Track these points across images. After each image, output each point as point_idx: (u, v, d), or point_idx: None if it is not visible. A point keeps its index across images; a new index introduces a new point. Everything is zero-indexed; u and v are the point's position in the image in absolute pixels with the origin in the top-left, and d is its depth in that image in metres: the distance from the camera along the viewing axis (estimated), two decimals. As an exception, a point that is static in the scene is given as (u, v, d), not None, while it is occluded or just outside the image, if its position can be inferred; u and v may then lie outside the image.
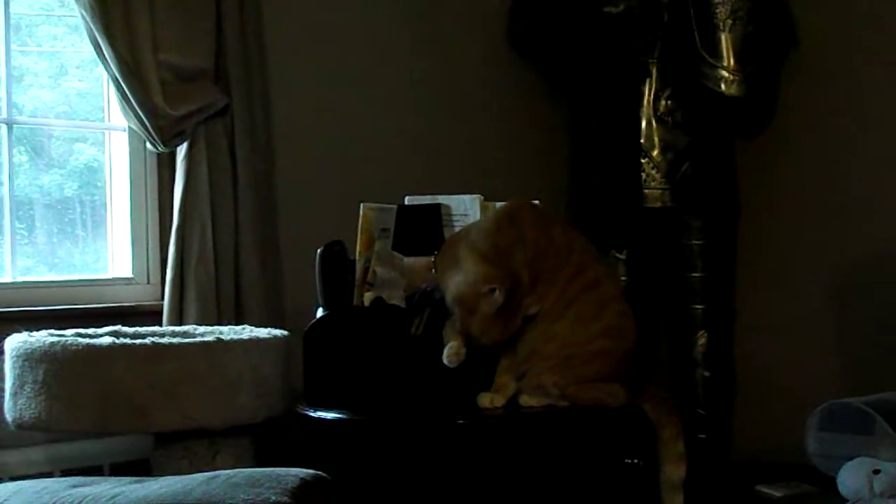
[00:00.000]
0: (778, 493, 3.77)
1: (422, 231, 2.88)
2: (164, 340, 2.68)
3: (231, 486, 2.16)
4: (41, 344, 2.62)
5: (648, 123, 4.11)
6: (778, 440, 3.96)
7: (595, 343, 2.53)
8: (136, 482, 2.29)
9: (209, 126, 3.32)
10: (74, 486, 2.26)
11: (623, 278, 4.02)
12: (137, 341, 2.66)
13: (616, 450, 2.77)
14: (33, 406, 2.62)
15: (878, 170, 4.13)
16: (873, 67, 4.14)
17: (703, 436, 4.09)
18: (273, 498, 2.10)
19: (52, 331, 2.79)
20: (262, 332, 2.89)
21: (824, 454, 3.49)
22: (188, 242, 3.26)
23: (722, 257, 4.22)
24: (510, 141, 4.29)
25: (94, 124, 3.49)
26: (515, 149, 4.29)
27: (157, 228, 3.40)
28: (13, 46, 3.26)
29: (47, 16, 3.46)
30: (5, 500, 2.22)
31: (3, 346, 2.74)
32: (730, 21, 3.97)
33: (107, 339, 2.66)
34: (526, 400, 2.55)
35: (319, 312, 2.76)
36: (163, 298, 3.27)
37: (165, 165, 3.40)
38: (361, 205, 2.75)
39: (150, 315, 3.25)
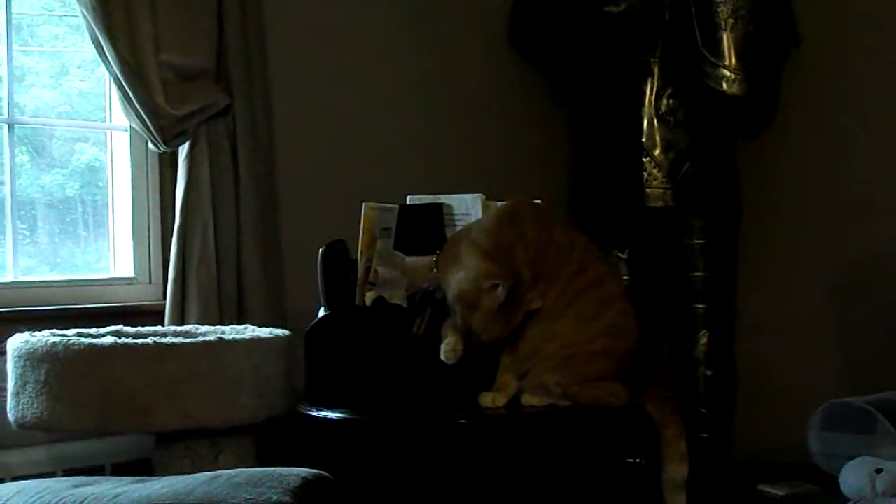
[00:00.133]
0: (780, 493, 3.77)
1: (423, 230, 2.88)
2: (166, 340, 2.68)
3: (233, 485, 2.16)
4: (43, 344, 2.62)
5: (650, 123, 4.11)
6: (780, 439, 3.96)
7: (597, 342, 2.53)
8: (137, 482, 2.29)
9: (211, 126, 3.32)
10: (76, 486, 2.26)
11: (625, 278, 4.01)
12: (139, 341, 2.66)
13: (618, 449, 2.77)
14: (35, 406, 2.62)
15: (880, 169, 4.14)
16: (874, 67, 4.15)
17: (706, 435, 4.09)
18: (275, 497, 2.10)
19: (54, 331, 2.79)
20: (264, 332, 2.89)
21: (826, 453, 3.50)
22: (190, 242, 3.26)
23: (723, 257, 4.21)
24: (511, 140, 4.29)
25: (95, 124, 3.49)
26: (517, 148, 4.29)
27: (159, 228, 3.40)
28: (15, 46, 3.26)
29: (49, 16, 3.47)
30: (7, 501, 2.22)
31: (4, 346, 2.74)
32: (731, 20, 3.97)
33: (108, 339, 2.66)
34: (528, 399, 2.55)
35: (321, 312, 2.76)
36: (164, 298, 3.28)
37: (167, 165, 3.40)
38: (363, 204, 2.75)
39: (152, 315, 3.25)
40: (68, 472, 2.89)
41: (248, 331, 2.94)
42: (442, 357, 2.49)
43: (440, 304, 2.59)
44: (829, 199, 4.25)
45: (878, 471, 3.27)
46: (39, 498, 2.19)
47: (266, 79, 3.51)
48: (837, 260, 4.23)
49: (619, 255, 4.15)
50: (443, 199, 2.98)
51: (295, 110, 3.64)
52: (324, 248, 2.75)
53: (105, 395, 2.58)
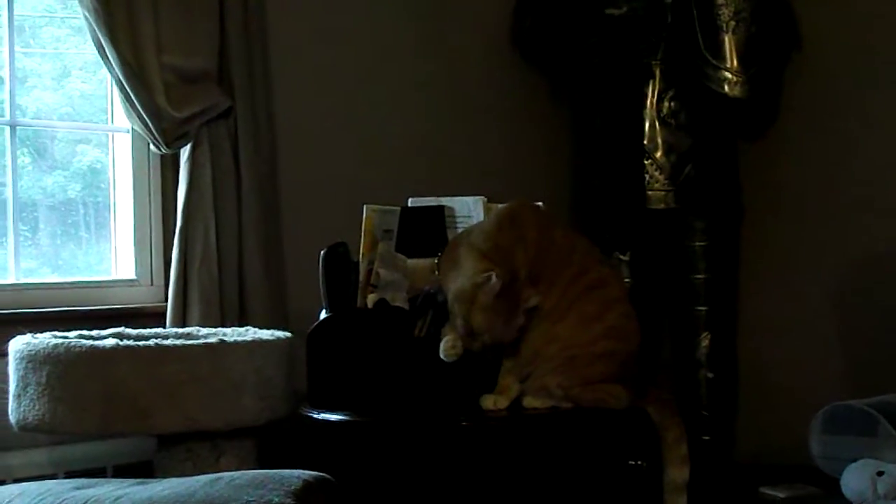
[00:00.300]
0: (781, 495, 3.77)
1: (425, 233, 2.88)
2: (168, 342, 2.68)
3: (234, 487, 2.16)
4: (45, 346, 2.62)
5: (652, 125, 4.11)
6: (781, 442, 3.97)
7: (598, 344, 2.52)
8: (139, 484, 2.29)
9: (212, 128, 3.32)
10: (78, 488, 2.26)
11: (626, 280, 4.01)
12: (141, 343, 2.66)
13: (619, 451, 2.77)
14: (37, 408, 2.62)
15: (881, 171, 4.13)
16: (875, 69, 4.15)
17: (707, 437, 4.09)
18: (276, 500, 2.10)
19: (56, 332, 2.79)
20: (266, 334, 2.89)
21: (828, 456, 3.50)
22: (191, 244, 3.26)
23: (725, 259, 4.22)
24: (513, 143, 4.29)
25: (97, 126, 3.49)
26: (519, 150, 4.29)
27: (161, 230, 3.40)
28: (16, 48, 3.27)
29: (51, 17, 3.47)
30: (9, 502, 2.22)
31: (6, 348, 2.74)
32: (733, 23, 3.97)
33: (110, 341, 2.66)
34: (529, 402, 2.55)
35: (323, 314, 2.76)
36: (166, 300, 3.28)
37: (169, 167, 3.40)
38: (365, 206, 2.75)
39: (154, 317, 3.26)
40: (70, 474, 2.89)
41: (250, 333, 2.94)
42: (441, 355, 2.49)
43: (442, 307, 2.59)
44: (830, 201, 4.24)
45: (880, 473, 3.27)
46: (41, 500, 2.19)
47: (268, 81, 3.51)
48: (839, 262, 4.23)
49: (621, 257, 4.15)
50: (444, 201, 2.98)
51: (297, 112, 3.65)
52: (325, 250, 2.75)
53: (107, 398, 2.58)
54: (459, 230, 2.90)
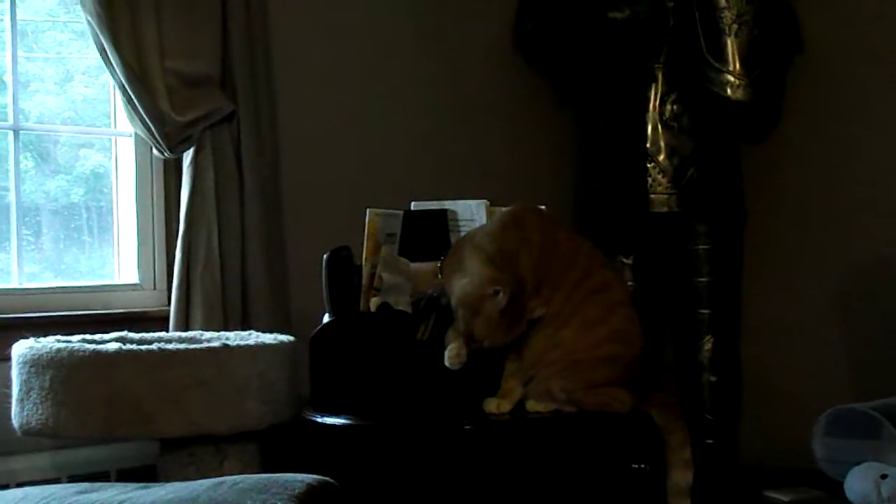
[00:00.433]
0: (785, 498, 3.76)
1: (428, 236, 2.88)
2: (171, 346, 2.68)
3: (238, 491, 2.16)
4: (48, 350, 2.62)
5: (654, 128, 4.11)
6: (785, 445, 3.96)
7: (602, 348, 2.52)
8: (142, 488, 2.29)
9: (215, 132, 3.32)
10: (81, 493, 2.26)
11: (629, 283, 4.01)
12: (144, 347, 2.66)
13: (623, 455, 2.77)
14: (40, 412, 2.62)
15: (884, 174, 4.14)
16: (879, 72, 4.15)
17: (711, 441, 4.09)
18: (280, 504, 2.10)
19: (59, 337, 2.79)
20: (269, 338, 2.89)
21: (831, 459, 3.49)
22: (194, 248, 3.26)
23: (728, 262, 4.21)
24: (516, 146, 4.29)
25: (100, 130, 3.49)
26: (521, 154, 4.29)
27: (164, 234, 3.41)
28: (19, 52, 3.27)
29: (53, 22, 3.47)
30: (12, 507, 2.22)
31: (9, 352, 2.74)
32: (735, 26, 3.97)
33: (113, 345, 2.66)
34: (532, 405, 2.55)
35: (326, 318, 2.76)
36: (169, 304, 3.28)
37: (171, 171, 3.40)
38: (367, 210, 2.75)
39: (157, 321, 3.26)
40: (73, 479, 2.89)
41: (253, 337, 2.94)
42: (446, 363, 2.49)
43: (445, 310, 2.59)
44: (833, 204, 4.24)
45: (884, 476, 3.26)
46: (44, 504, 2.19)
47: (270, 85, 3.51)
48: (842, 265, 4.23)
49: (624, 260, 4.15)
50: (447, 205, 2.98)
51: (299, 116, 3.65)
52: (328, 253, 2.75)
53: (110, 402, 2.58)
54: (462, 234, 2.90)
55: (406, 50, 4.00)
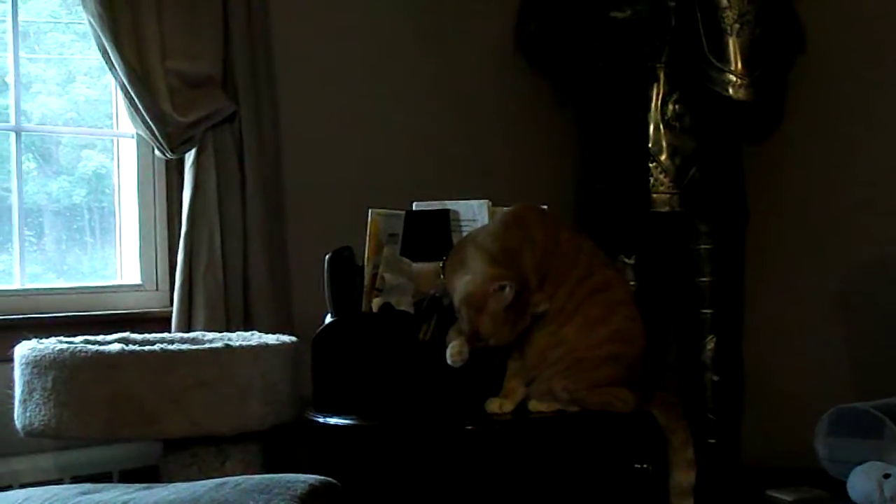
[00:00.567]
0: (788, 498, 3.76)
1: (430, 236, 2.88)
2: (173, 347, 2.68)
3: (240, 492, 2.16)
4: (50, 351, 2.62)
5: (656, 128, 4.11)
6: (788, 444, 3.96)
7: (604, 347, 2.52)
8: (145, 489, 2.29)
9: (217, 132, 3.32)
10: (84, 493, 2.26)
11: (632, 283, 4.01)
12: (146, 348, 2.66)
13: (625, 455, 2.77)
14: (42, 413, 2.62)
15: (885, 173, 4.13)
16: (880, 72, 4.14)
17: (713, 440, 4.09)
18: (282, 504, 2.10)
19: (61, 338, 2.79)
20: (271, 339, 2.89)
21: (834, 458, 3.49)
22: (196, 249, 3.27)
23: (730, 261, 4.21)
24: (518, 146, 4.29)
25: (102, 131, 3.50)
26: (523, 154, 4.29)
27: (166, 235, 3.41)
28: (21, 54, 3.27)
29: (55, 23, 3.47)
30: (15, 507, 2.22)
31: (12, 353, 2.74)
32: (737, 25, 3.97)
33: (116, 346, 2.66)
34: (535, 405, 2.55)
35: (328, 318, 2.76)
36: (171, 305, 3.28)
37: (173, 172, 3.41)
38: (370, 211, 2.75)
39: (159, 321, 3.26)
40: (76, 479, 2.90)
41: (255, 337, 2.94)
42: (448, 360, 2.49)
43: (447, 311, 2.59)
44: (834, 204, 4.24)
45: (887, 476, 3.26)
46: (47, 505, 2.19)
47: (272, 85, 3.52)
48: (843, 264, 4.23)
49: (626, 260, 4.15)
50: (449, 205, 2.97)
51: (301, 117, 3.65)
52: (330, 254, 2.75)
53: (112, 402, 2.58)
54: (464, 234, 2.90)
55: (408, 50, 4.00)
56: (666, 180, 4.10)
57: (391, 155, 3.89)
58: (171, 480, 2.57)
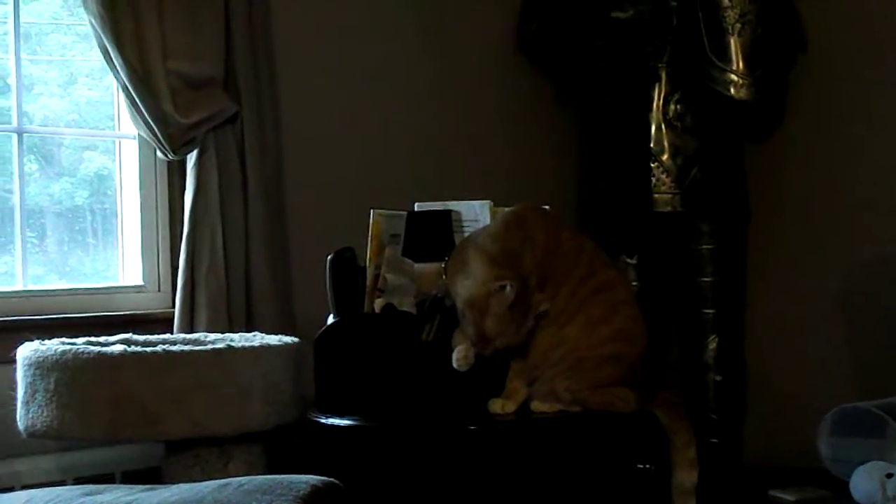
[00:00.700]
0: (791, 498, 3.76)
1: (432, 237, 2.88)
2: (175, 348, 2.68)
3: (243, 493, 2.16)
4: (52, 352, 2.62)
5: (658, 128, 4.11)
6: (790, 444, 3.96)
7: (606, 347, 2.52)
8: (147, 490, 2.29)
9: (219, 134, 3.32)
10: (86, 495, 2.26)
11: (634, 283, 4.01)
12: (148, 349, 2.66)
13: (628, 455, 2.77)
14: (45, 414, 2.62)
15: (887, 173, 4.13)
16: (882, 71, 4.14)
17: (715, 440, 4.09)
18: (285, 505, 2.10)
19: (64, 339, 2.79)
20: (273, 339, 2.89)
21: (837, 458, 3.49)
22: (198, 250, 3.27)
23: (732, 261, 4.21)
24: (520, 146, 4.29)
25: (104, 132, 3.50)
26: (525, 154, 4.29)
27: (168, 236, 3.41)
28: (23, 55, 3.27)
29: (57, 25, 3.47)
30: (18, 509, 2.22)
31: (14, 354, 2.74)
32: (738, 25, 3.97)
33: (118, 347, 2.67)
34: (537, 405, 2.55)
35: (330, 319, 2.76)
36: (173, 306, 3.28)
37: (175, 173, 3.41)
38: (372, 211, 2.75)
39: (161, 323, 3.26)
40: (78, 481, 2.90)
41: (258, 338, 2.95)
42: (454, 365, 2.49)
43: (449, 311, 2.59)
44: (836, 203, 4.24)
45: (889, 475, 3.26)
46: (49, 506, 2.19)
47: (274, 86, 3.52)
48: (845, 264, 4.23)
49: (628, 260, 4.15)
50: (451, 205, 2.97)
51: (303, 118, 3.65)
52: (332, 255, 2.75)
53: (114, 404, 2.58)
54: (466, 234, 2.90)
55: (409, 51, 4.00)
56: (668, 180, 4.10)
57: (393, 155, 3.89)
58: (173, 481, 2.57)
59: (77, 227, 3.45)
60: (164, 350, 2.65)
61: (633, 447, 2.78)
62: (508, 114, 4.29)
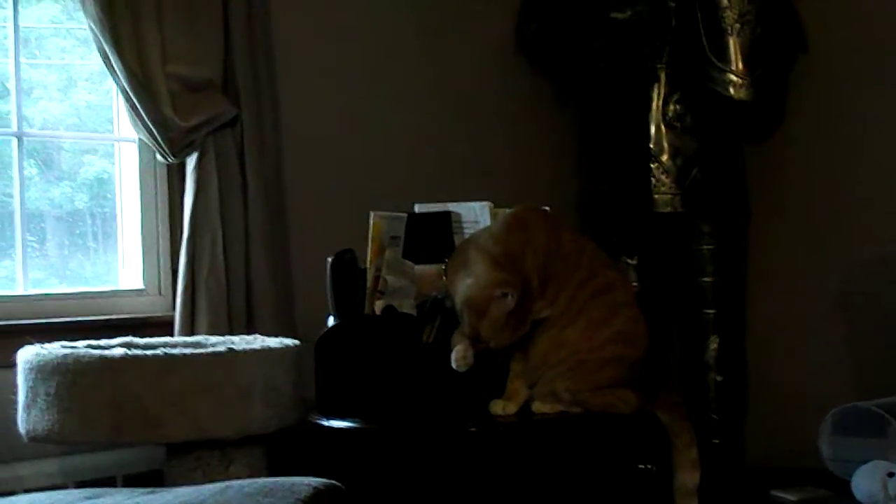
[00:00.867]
0: (792, 498, 3.76)
1: (432, 239, 2.88)
2: (176, 351, 2.68)
3: (244, 495, 2.16)
4: (53, 356, 2.62)
5: (657, 128, 4.11)
6: (791, 444, 3.96)
7: (607, 349, 2.52)
8: (149, 493, 2.29)
9: (218, 137, 3.32)
10: (88, 498, 2.26)
11: (634, 284, 4.01)
12: (149, 352, 2.66)
13: (629, 456, 2.77)
14: (46, 418, 2.62)
15: (886, 172, 4.13)
16: (881, 71, 4.14)
17: (717, 441, 4.08)
18: (286, 507, 2.10)
19: (64, 343, 2.79)
20: (274, 342, 2.88)
21: (838, 458, 3.49)
22: (199, 253, 3.27)
23: (732, 262, 4.21)
24: (519, 147, 4.29)
25: (103, 136, 3.50)
26: (524, 155, 4.29)
27: (168, 239, 3.41)
28: (22, 59, 3.27)
29: (56, 28, 3.47)
30: (19, 513, 2.22)
31: (15, 358, 2.74)
32: (738, 25, 3.97)
33: (119, 351, 2.66)
34: (538, 407, 2.55)
35: (331, 321, 2.76)
36: (174, 309, 3.28)
37: (175, 177, 3.40)
38: (371, 213, 2.75)
39: (162, 326, 3.26)
40: (80, 484, 2.90)
41: (258, 341, 2.94)
42: (453, 365, 2.49)
43: (450, 313, 2.59)
44: (836, 203, 4.24)
45: (891, 475, 3.27)
46: (51, 510, 2.19)
47: (273, 89, 3.52)
48: (845, 264, 4.22)
49: (628, 261, 4.15)
50: (451, 207, 2.98)
51: (302, 120, 3.65)
52: (333, 257, 2.75)
53: (115, 407, 2.58)
54: (466, 236, 2.90)
55: (408, 52, 4.00)
56: (667, 181, 4.09)
57: (392, 157, 3.89)
58: (175, 485, 2.57)
59: (77, 231, 3.45)
60: (164, 353, 2.65)
61: (634, 448, 2.78)
62: (508, 114, 4.28)
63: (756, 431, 4.20)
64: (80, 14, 3.14)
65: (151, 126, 3.16)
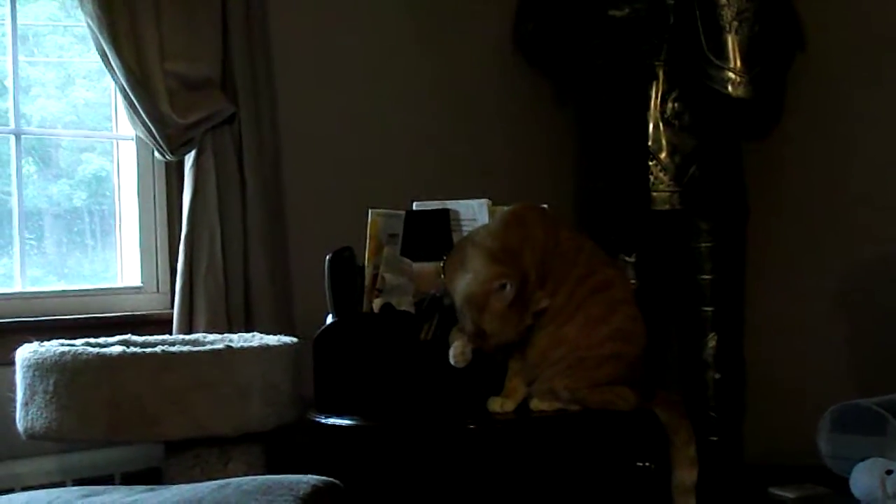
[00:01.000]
0: (791, 495, 3.76)
1: (430, 236, 2.88)
2: (174, 349, 2.68)
3: (243, 493, 2.16)
4: (51, 354, 2.62)
5: (656, 126, 4.11)
6: (790, 442, 3.95)
7: (605, 346, 2.52)
8: (147, 491, 2.29)
9: (217, 134, 3.32)
10: (86, 496, 2.26)
11: (632, 282, 4.01)
12: (147, 350, 2.66)
13: (627, 453, 2.77)
14: (44, 416, 2.62)
15: (885, 170, 4.13)
16: (880, 69, 4.14)
17: (715, 438, 4.09)
18: (285, 505, 2.10)
19: (62, 340, 2.79)
20: (272, 340, 2.89)
21: (836, 455, 3.48)
22: (197, 250, 3.27)
23: (731, 259, 4.21)
24: (518, 145, 4.29)
25: (101, 134, 3.50)
26: (523, 153, 4.29)
27: (166, 237, 3.41)
28: (20, 57, 3.27)
29: (54, 26, 3.47)
30: (17, 510, 2.22)
31: (13, 356, 2.74)
32: (736, 23, 3.97)
33: (117, 349, 2.66)
34: (536, 404, 2.55)
35: (329, 319, 2.76)
36: (172, 307, 3.28)
37: (173, 174, 3.41)
38: (370, 211, 2.75)
39: (160, 324, 3.26)
40: (78, 482, 2.90)
41: (257, 338, 2.95)
42: (451, 361, 2.49)
43: (448, 310, 2.59)
44: (834, 201, 4.24)
45: (889, 472, 3.26)
46: (49, 508, 2.19)
47: (271, 87, 3.51)
48: (844, 261, 4.22)
49: (627, 259, 4.15)
50: (449, 204, 2.97)
51: (300, 118, 3.65)
52: (331, 255, 2.75)
53: (114, 405, 2.58)
54: (464, 233, 2.90)
55: (407, 50, 4.00)
56: (666, 178, 4.10)
57: (391, 155, 3.89)
58: (173, 482, 2.57)
59: (75, 229, 3.45)
60: (162, 351, 2.65)
61: (632, 446, 2.78)
62: (507, 113, 4.28)
63: (754, 429, 4.20)
64: (79, 12, 3.14)
65: (149, 123, 3.16)
